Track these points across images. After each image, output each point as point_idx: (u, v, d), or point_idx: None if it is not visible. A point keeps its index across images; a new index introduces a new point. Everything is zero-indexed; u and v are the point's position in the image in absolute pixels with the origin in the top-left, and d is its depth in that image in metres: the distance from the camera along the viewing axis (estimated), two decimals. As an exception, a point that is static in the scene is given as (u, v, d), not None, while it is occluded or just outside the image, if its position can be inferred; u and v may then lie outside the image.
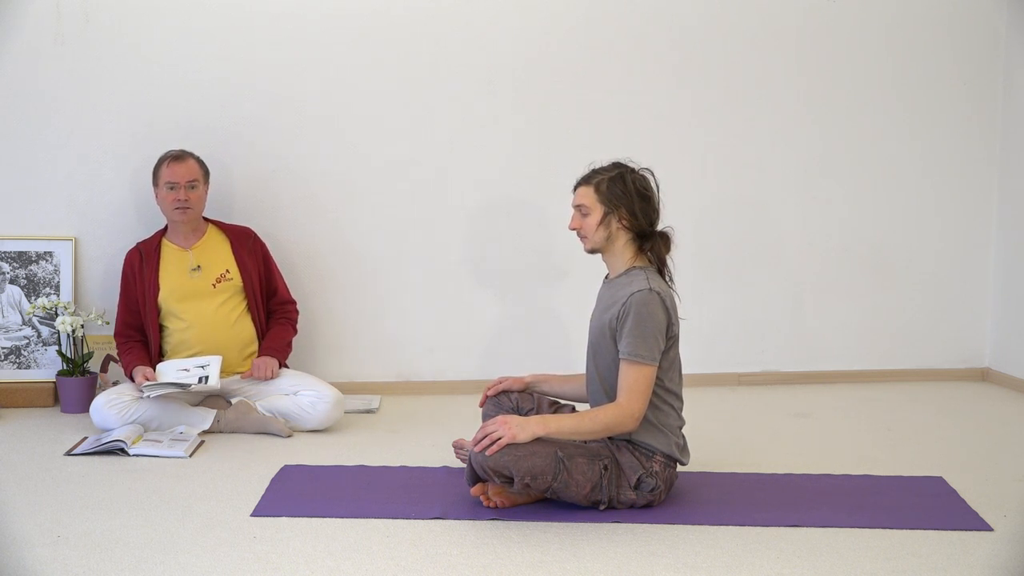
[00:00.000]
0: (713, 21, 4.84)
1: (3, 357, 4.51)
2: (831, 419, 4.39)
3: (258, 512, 3.16)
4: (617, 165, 3.26)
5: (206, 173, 4.31)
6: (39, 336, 4.54)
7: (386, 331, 4.81)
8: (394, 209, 4.77)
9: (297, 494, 3.31)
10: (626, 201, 3.19)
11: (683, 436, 3.29)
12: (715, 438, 4.00)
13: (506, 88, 4.77)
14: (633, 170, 3.25)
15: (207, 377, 3.99)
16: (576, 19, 4.78)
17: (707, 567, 2.79)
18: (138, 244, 4.32)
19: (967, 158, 5.06)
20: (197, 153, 4.32)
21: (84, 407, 4.26)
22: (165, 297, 4.20)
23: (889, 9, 4.94)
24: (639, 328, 3.11)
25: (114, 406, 3.96)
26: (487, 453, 3.01)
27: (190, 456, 3.73)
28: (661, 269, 3.27)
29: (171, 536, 2.96)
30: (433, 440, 3.95)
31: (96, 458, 3.69)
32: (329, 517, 3.11)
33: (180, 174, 4.19)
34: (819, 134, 4.96)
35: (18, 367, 4.52)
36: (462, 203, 4.80)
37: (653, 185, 3.25)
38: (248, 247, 4.34)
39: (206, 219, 4.36)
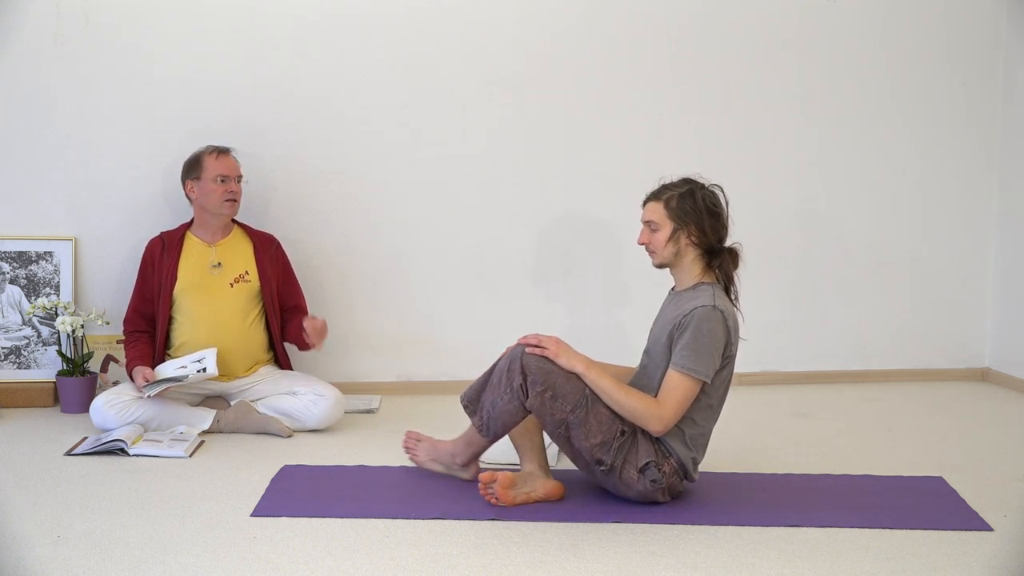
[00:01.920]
0: (713, 21, 4.84)
1: (3, 357, 4.51)
2: (831, 419, 4.39)
3: (258, 512, 3.16)
4: (687, 181, 3.28)
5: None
6: (39, 336, 4.54)
7: (386, 331, 4.81)
8: (394, 209, 4.77)
9: (297, 494, 3.31)
10: (695, 217, 3.22)
11: (703, 454, 3.29)
12: (716, 438, 3.98)
13: (508, 89, 4.77)
14: (703, 186, 3.27)
15: (204, 369, 3.99)
16: (577, 18, 4.78)
17: (707, 567, 2.79)
18: (162, 233, 4.32)
19: (967, 158, 5.06)
20: (200, 149, 4.31)
21: (84, 407, 4.26)
22: (181, 289, 4.19)
23: (889, 9, 4.94)
24: (696, 342, 3.13)
25: (114, 406, 3.96)
26: (527, 351, 3.12)
27: (190, 456, 3.73)
28: (728, 286, 3.30)
29: (171, 536, 2.96)
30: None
31: (96, 458, 3.69)
32: (329, 517, 3.11)
33: (231, 167, 4.24)
34: (819, 134, 4.97)
35: (18, 367, 4.52)
36: (462, 203, 4.81)
37: (722, 201, 3.28)
38: (270, 253, 4.34)
39: (233, 220, 4.36)
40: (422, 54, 4.71)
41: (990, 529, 3.08)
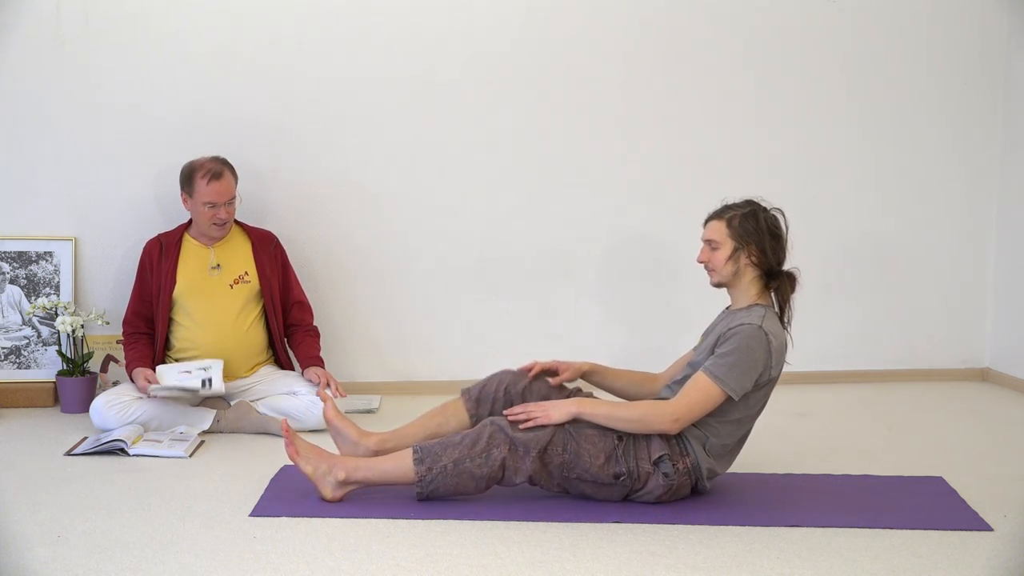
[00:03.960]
0: (713, 21, 4.84)
1: (3, 357, 4.51)
2: (831, 419, 4.39)
3: (258, 512, 3.16)
4: (750, 203, 3.30)
5: (236, 181, 4.26)
6: (39, 336, 4.54)
7: (386, 331, 4.81)
8: (394, 209, 4.77)
9: (297, 494, 3.31)
10: (757, 238, 3.24)
11: (723, 468, 3.29)
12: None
13: (508, 89, 4.77)
14: (765, 208, 3.29)
15: (210, 380, 3.98)
16: (577, 19, 4.78)
17: (707, 567, 2.79)
18: (159, 235, 4.30)
19: (967, 158, 5.06)
20: (198, 153, 4.30)
21: (84, 407, 4.26)
22: (180, 292, 4.19)
23: (889, 10, 4.94)
24: (733, 356, 3.13)
25: (114, 406, 3.96)
26: (520, 427, 3.12)
27: (190, 456, 3.73)
28: (782, 309, 3.30)
29: (171, 536, 2.96)
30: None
31: (96, 458, 3.69)
32: (329, 517, 3.11)
33: (221, 193, 4.14)
34: (819, 134, 4.97)
35: (18, 367, 4.52)
36: (462, 203, 4.81)
37: (783, 225, 3.30)
38: (269, 252, 4.33)
39: None
40: (423, 54, 4.71)
41: (990, 529, 3.08)
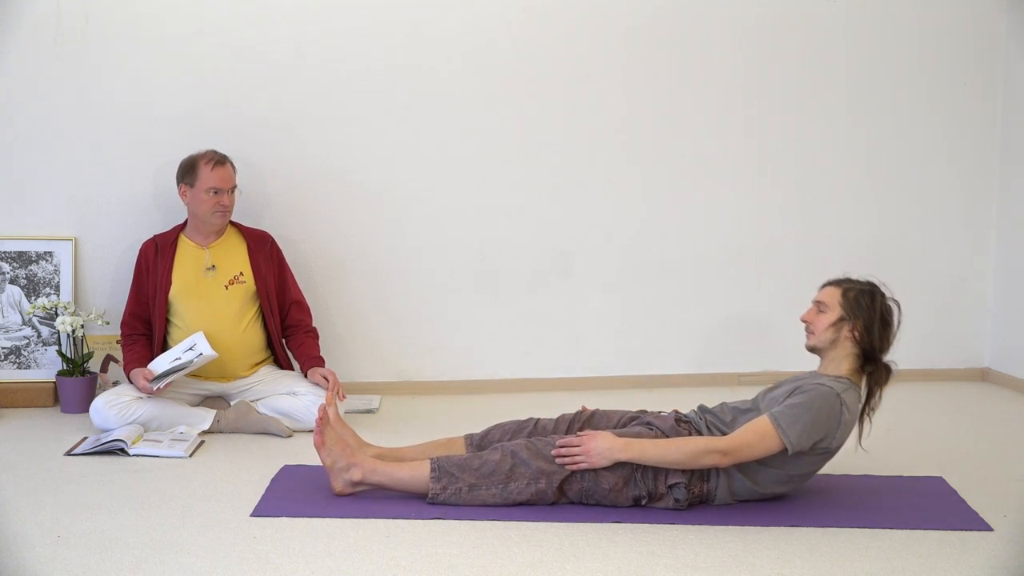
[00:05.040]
0: (712, 20, 4.84)
1: (3, 357, 4.51)
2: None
3: (258, 512, 3.15)
4: (871, 284, 3.28)
5: (236, 173, 4.30)
6: (39, 336, 4.54)
7: (386, 331, 4.81)
8: (394, 209, 4.77)
9: (297, 494, 3.31)
10: (866, 316, 3.21)
11: (738, 499, 3.25)
12: (715, 438, 3.99)
13: (508, 89, 4.77)
14: (884, 294, 3.26)
15: (200, 353, 3.99)
16: (576, 18, 4.78)
17: (707, 567, 2.79)
18: (154, 237, 4.31)
19: (967, 158, 5.06)
20: (198, 153, 4.31)
21: (84, 407, 4.26)
22: (176, 293, 4.19)
23: (889, 9, 4.94)
24: (801, 409, 3.09)
25: (114, 406, 3.96)
26: (565, 467, 3.12)
27: (190, 456, 3.73)
28: (869, 396, 3.26)
29: (171, 536, 2.96)
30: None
31: (96, 458, 3.69)
32: (329, 517, 3.11)
33: (225, 179, 4.17)
34: (818, 134, 4.96)
35: (18, 367, 4.52)
36: (462, 203, 4.80)
37: (896, 317, 3.25)
38: (265, 252, 4.33)
39: None
40: (423, 53, 4.71)
41: (990, 529, 3.08)
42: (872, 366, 3.23)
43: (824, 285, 3.33)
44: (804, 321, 3.31)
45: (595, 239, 4.88)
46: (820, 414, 3.09)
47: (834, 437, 3.14)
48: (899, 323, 3.26)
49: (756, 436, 3.09)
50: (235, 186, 4.24)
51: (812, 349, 3.30)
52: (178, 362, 4.00)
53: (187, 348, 4.04)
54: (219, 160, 4.19)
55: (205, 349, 4.00)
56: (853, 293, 3.24)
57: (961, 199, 5.08)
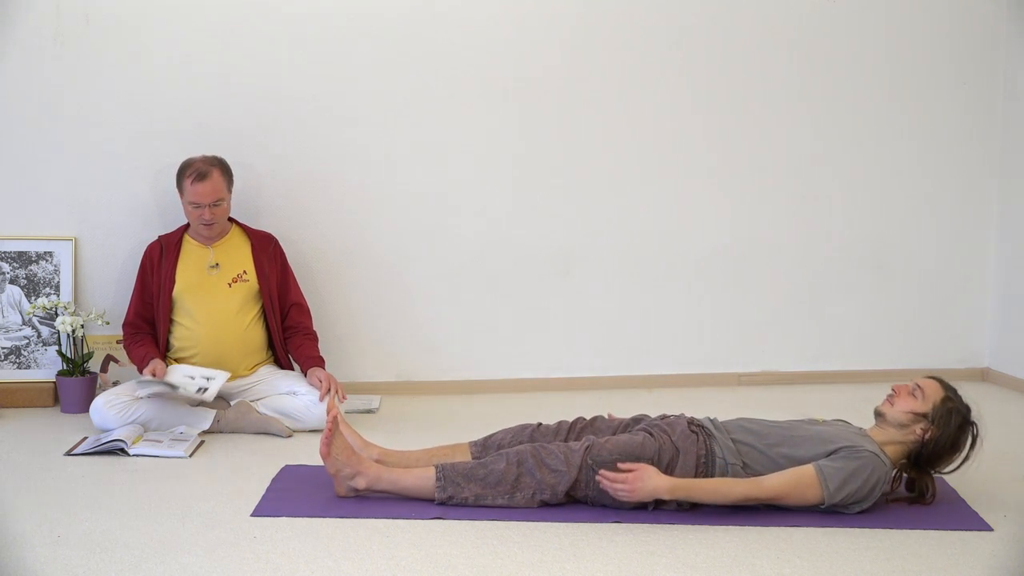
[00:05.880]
0: (712, 20, 4.84)
1: (3, 357, 4.51)
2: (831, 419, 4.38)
3: (258, 512, 3.16)
4: (969, 409, 3.25)
5: (230, 182, 4.26)
6: (39, 336, 4.54)
7: (386, 331, 4.81)
8: (393, 209, 4.76)
9: (297, 494, 3.31)
10: (942, 429, 3.20)
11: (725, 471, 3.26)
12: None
13: (507, 89, 4.76)
14: (974, 424, 3.24)
15: (206, 389, 3.99)
16: (575, 18, 4.77)
17: (707, 567, 2.79)
18: (160, 237, 4.32)
19: (967, 158, 5.06)
20: (199, 153, 4.30)
21: (84, 407, 4.26)
22: (180, 291, 4.20)
23: (889, 9, 4.94)
24: (851, 476, 3.10)
25: (114, 406, 3.96)
26: (605, 488, 3.10)
27: (190, 456, 3.73)
28: (897, 480, 3.27)
29: (171, 536, 2.96)
30: (433, 440, 3.93)
31: (96, 458, 3.69)
32: (329, 517, 3.11)
33: (204, 195, 4.14)
34: (818, 134, 4.96)
35: (18, 367, 4.52)
36: (462, 203, 4.80)
37: (966, 447, 3.23)
38: (268, 252, 4.33)
39: (230, 219, 4.36)
40: (421, 54, 4.71)
41: (990, 529, 3.08)
42: (917, 471, 3.26)
43: (933, 377, 3.32)
44: (892, 392, 3.31)
45: (595, 239, 4.88)
46: (866, 485, 3.12)
47: (865, 501, 3.16)
48: (968, 458, 3.24)
49: (797, 481, 3.11)
50: (219, 199, 4.19)
51: (880, 415, 3.30)
52: (190, 381, 3.99)
53: (205, 376, 4.03)
54: (201, 174, 4.13)
55: (211, 392, 3.99)
56: (951, 405, 3.22)
57: (961, 198, 5.08)
